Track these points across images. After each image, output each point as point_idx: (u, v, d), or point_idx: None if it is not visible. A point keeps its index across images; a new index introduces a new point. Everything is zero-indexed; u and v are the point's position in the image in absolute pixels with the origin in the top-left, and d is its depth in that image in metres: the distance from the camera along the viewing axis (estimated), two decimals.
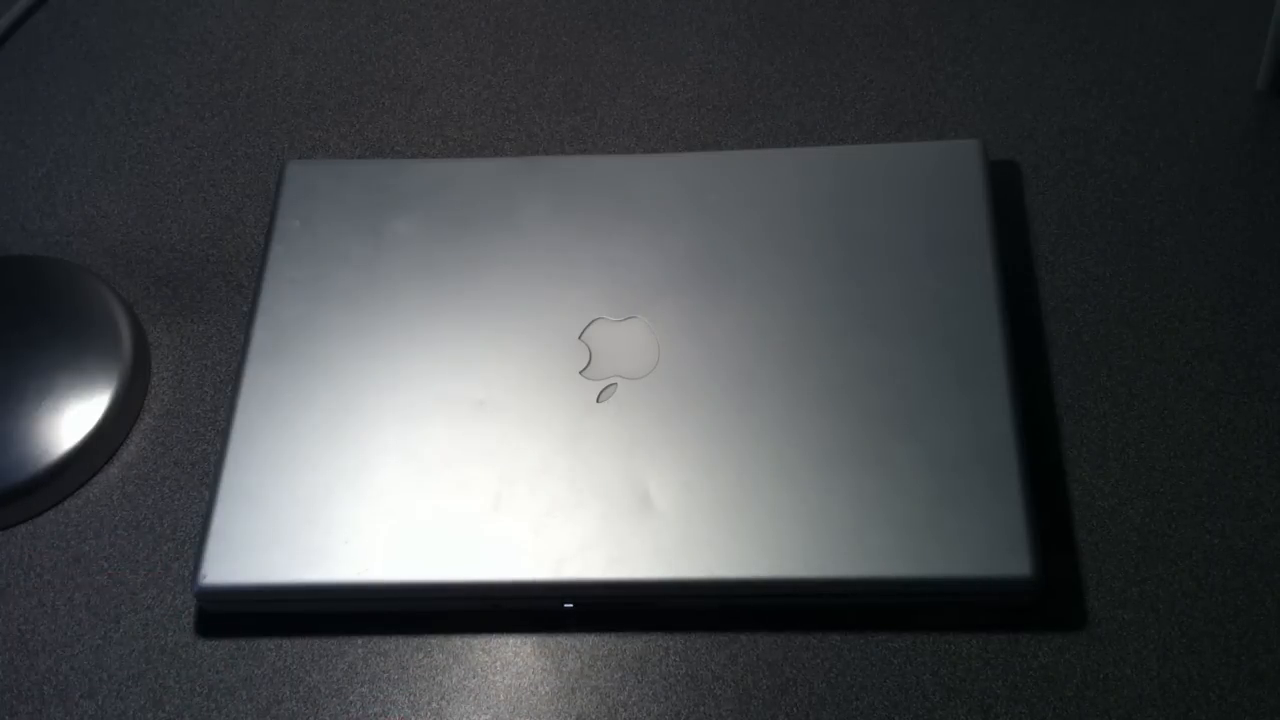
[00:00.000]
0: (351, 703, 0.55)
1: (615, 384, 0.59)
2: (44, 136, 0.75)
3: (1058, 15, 0.73)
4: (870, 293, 0.60)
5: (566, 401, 0.59)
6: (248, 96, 0.75)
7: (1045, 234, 0.65)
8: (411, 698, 0.55)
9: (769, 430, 0.57)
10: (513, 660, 0.56)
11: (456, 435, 0.58)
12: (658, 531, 0.55)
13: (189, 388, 0.65)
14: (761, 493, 0.55)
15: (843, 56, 0.73)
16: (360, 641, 0.57)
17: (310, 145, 0.73)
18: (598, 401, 0.59)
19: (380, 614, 0.57)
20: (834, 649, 0.55)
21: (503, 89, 0.74)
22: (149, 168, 0.73)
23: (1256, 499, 0.57)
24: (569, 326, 0.61)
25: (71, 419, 0.62)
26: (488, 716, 0.55)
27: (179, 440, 0.63)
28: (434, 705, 0.55)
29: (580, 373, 0.59)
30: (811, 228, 0.63)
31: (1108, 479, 0.58)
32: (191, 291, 0.68)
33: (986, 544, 0.53)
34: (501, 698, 0.55)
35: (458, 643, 0.57)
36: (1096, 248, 0.64)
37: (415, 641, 0.57)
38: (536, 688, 0.55)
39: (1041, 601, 0.54)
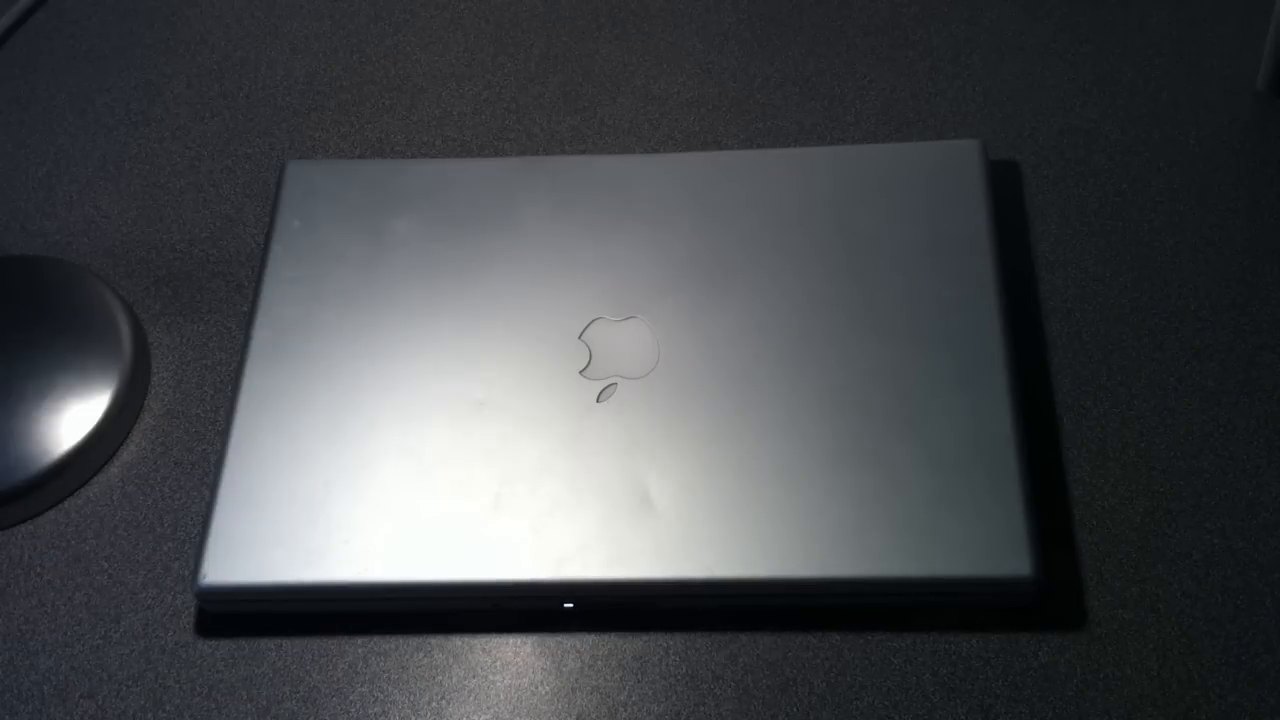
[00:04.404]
0: (351, 703, 0.55)
1: (615, 384, 0.59)
2: (44, 136, 0.75)
3: (1058, 15, 0.73)
4: (870, 293, 0.60)
5: (566, 401, 0.59)
6: (248, 96, 0.75)
7: (1045, 234, 0.65)
8: (411, 698, 0.55)
9: (769, 430, 0.57)
10: (513, 660, 0.56)
11: (456, 435, 0.58)
12: (658, 531, 0.55)
13: (189, 388, 0.65)
14: (761, 493, 0.55)
15: (843, 56, 0.73)
16: (360, 641, 0.57)
17: (310, 145, 0.73)
18: (598, 401, 0.59)
19: (380, 614, 0.57)
20: (834, 649, 0.55)
21: (503, 89, 0.74)
22: (149, 168, 0.73)
23: (1256, 499, 0.57)
24: (569, 326, 0.61)
25: (71, 419, 0.62)
26: (488, 716, 0.55)
27: (179, 440, 0.63)
28: (434, 705, 0.55)
29: (580, 373, 0.59)
30: (811, 228, 0.63)
31: (1108, 479, 0.58)
32: (191, 291, 0.68)
33: (986, 544, 0.53)
34: (501, 698, 0.55)
35: (458, 643, 0.57)
36: (1096, 248, 0.64)
37: (415, 641, 0.57)
38: (536, 688, 0.55)
39: (1041, 601, 0.54)
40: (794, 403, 0.57)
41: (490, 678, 0.56)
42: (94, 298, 0.66)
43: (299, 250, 0.64)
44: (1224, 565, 0.55)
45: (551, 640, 0.56)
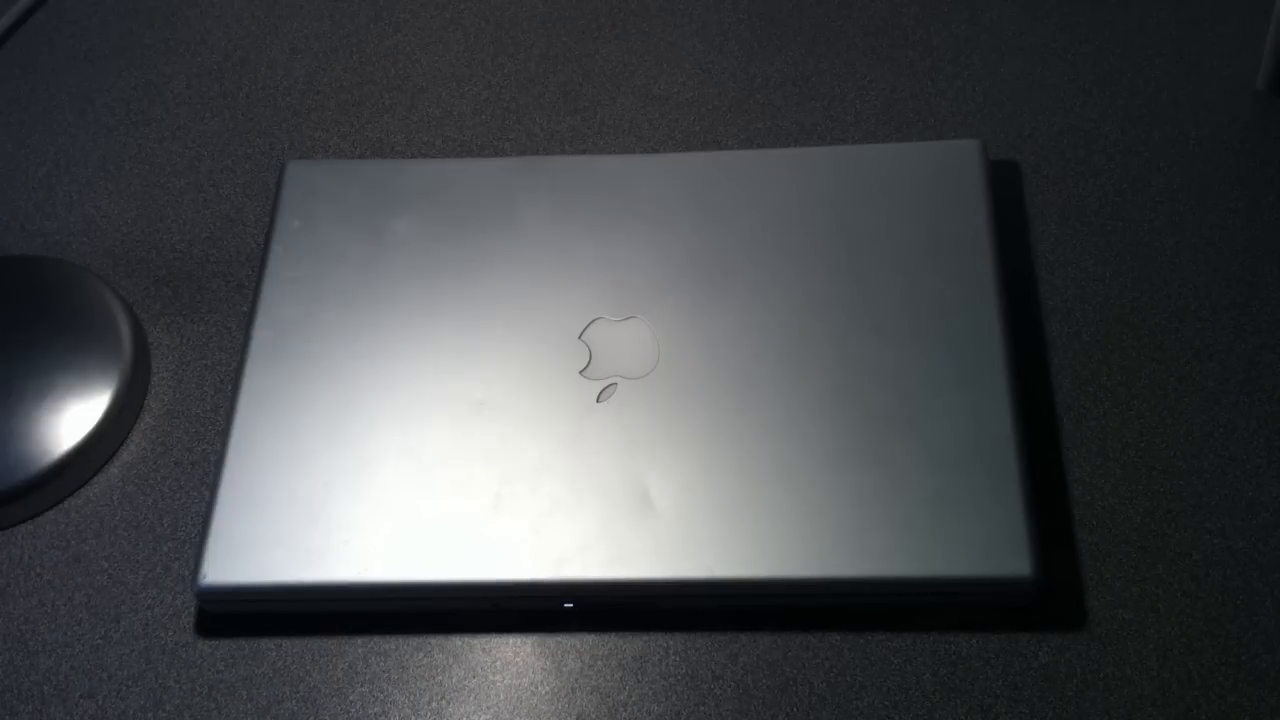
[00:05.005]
0: (351, 703, 0.55)
1: (615, 384, 0.59)
2: (44, 136, 0.75)
3: (1058, 15, 0.73)
4: (870, 293, 0.60)
5: (566, 401, 0.59)
6: (248, 96, 0.75)
7: (1045, 234, 0.65)
8: (411, 698, 0.55)
9: (769, 430, 0.57)
10: (513, 660, 0.56)
11: (456, 435, 0.58)
12: (658, 531, 0.55)
13: (189, 388, 0.65)
14: (761, 493, 0.55)
15: (843, 56, 0.73)
16: (360, 641, 0.57)
17: (310, 145, 0.73)
18: (598, 401, 0.59)
19: (380, 614, 0.57)
20: (834, 649, 0.55)
21: (503, 89, 0.74)
22: (149, 168, 0.73)
23: (1256, 499, 0.57)
24: (569, 326, 0.61)
25: (71, 419, 0.62)
26: (488, 716, 0.55)
27: (179, 440, 0.63)
28: (434, 705, 0.55)
29: (580, 373, 0.59)
30: (811, 228, 0.63)
31: (1108, 479, 0.58)
32: (191, 291, 0.68)
33: (986, 544, 0.53)
34: (501, 698, 0.55)
35: (458, 643, 0.57)
36: (1096, 248, 0.64)
37: (415, 641, 0.57)
38: (536, 688, 0.55)
39: (1041, 601, 0.54)
40: (794, 403, 0.57)
41: (490, 678, 0.56)
42: (94, 298, 0.66)
43: (299, 250, 0.64)
44: (1224, 565, 0.55)
45: (551, 640, 0.56)
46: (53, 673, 0.57)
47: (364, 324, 0.62)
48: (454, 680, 0.56)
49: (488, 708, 0.55)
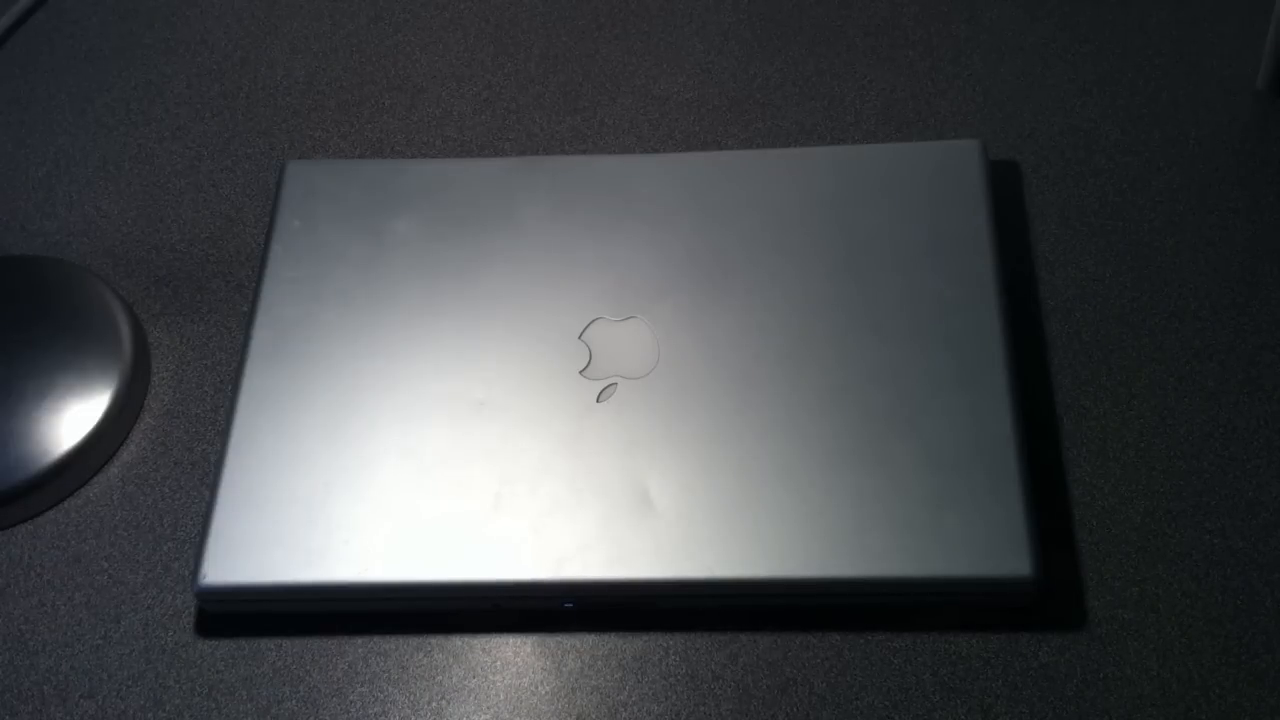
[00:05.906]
0: (351, 703, 0.55)
1: (615, 384, 0.59)
2: (44, 136, 0.75)
3: (1058, 15, 0.73)
4: (870, 293, 0.60)
5: (566, 401, 0.59)
6: (248, 96, 0.75)
7: (1045, 234, 0.65)
8: (411, 698, 0.55)
9: (769, 430, 0.57)
10: (513, 660, 0.56)
11: (456, 435, 0.58)
12: (658, 531, 0.55)
13: (189, 388, 0.65)
14: (761, 493, 0.55)
15: (843, 56, 0.73)
16: (360, 641, 0.57)
17: (310, 145, 0.73)
18: (598, 401, 0.59)
19: (380, 614, 0.57)
20: (834, 649, 0.55)
21: (503, 89, 0.74)
22: (149, 168, 0.73)
23: (1256, 499, 0.57)
24: (569, 326, 0.61)
25: (71, 419, 0.62)
26: (488, 716, 0.55)
27: (179, 440, 0.63)
28: (434, 705, 0.55)
29: (580, 373, 0.59)
30: (811, 228, 0.63)
31: (1108, 479, 0.58)
32: (191, 291, 0.68)
33: (986, 544, 0.53)
34: (501, 698, 0.55)
35: (458, 643, 0.57)
36: (1096, 248, 0.64)
37: (415, 641, 0.57)
38: (536, 688, 0.55)
39: (1041, 601, 0.54)
40: (794, 403, 0.57)
41: (490, 678, 0.56)
42: (94, 298, 0.66)
43: (299, 250, 0.64)
44: (1224, 565, 0.55)
45: (551, 640, 0.56)
46: (53, 673, 0.57)
47: (364, 324, 0.62)
48: (454, 680, 0.56)
49: (488, 708, 0.55)
